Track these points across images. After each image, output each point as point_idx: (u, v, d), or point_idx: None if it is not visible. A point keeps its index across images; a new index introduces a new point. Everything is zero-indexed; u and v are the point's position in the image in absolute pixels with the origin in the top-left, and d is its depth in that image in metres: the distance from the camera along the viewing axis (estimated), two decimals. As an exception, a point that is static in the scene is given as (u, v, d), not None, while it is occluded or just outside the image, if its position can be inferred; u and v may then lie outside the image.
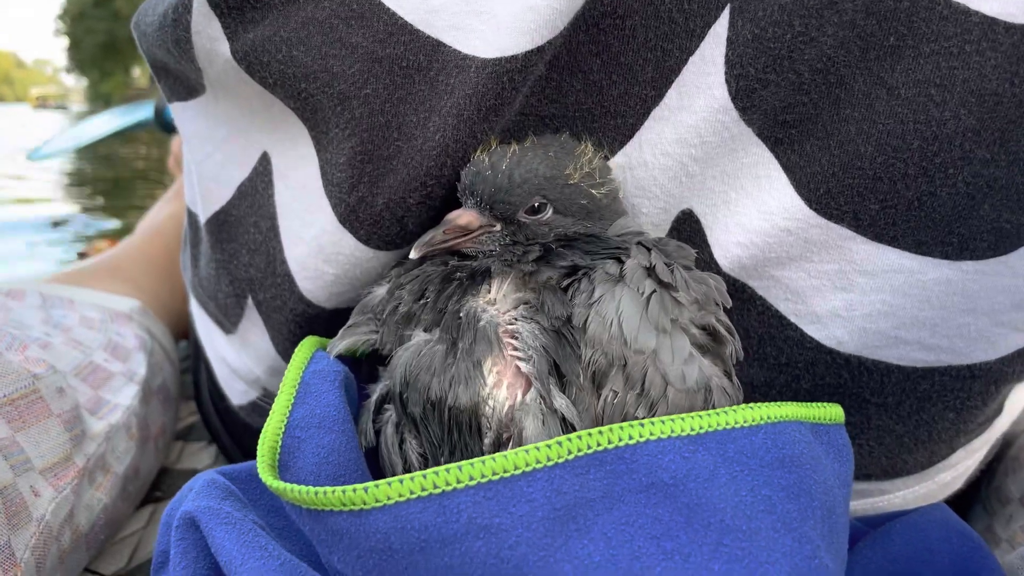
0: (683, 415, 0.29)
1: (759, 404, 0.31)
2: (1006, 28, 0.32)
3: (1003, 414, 0.49)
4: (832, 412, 0.34)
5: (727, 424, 0.29)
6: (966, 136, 0.34)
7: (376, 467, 0.36)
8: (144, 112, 2.13)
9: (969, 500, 0.58)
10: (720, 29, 0.36)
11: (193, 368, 0.75)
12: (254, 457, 0.61)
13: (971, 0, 0.33)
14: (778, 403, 0.31)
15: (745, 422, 0.30)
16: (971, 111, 0.34)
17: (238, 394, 0.57)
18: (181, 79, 0.49)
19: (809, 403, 0.33)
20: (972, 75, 0.33)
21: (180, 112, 0.51)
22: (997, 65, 0.33)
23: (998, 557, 0.51)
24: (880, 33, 0.34)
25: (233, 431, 0.64)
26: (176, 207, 1.04)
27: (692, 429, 0.29)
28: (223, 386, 0.59)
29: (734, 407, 0.30)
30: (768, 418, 0.30)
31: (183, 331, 0.87)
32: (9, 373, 0.46)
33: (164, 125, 2.08)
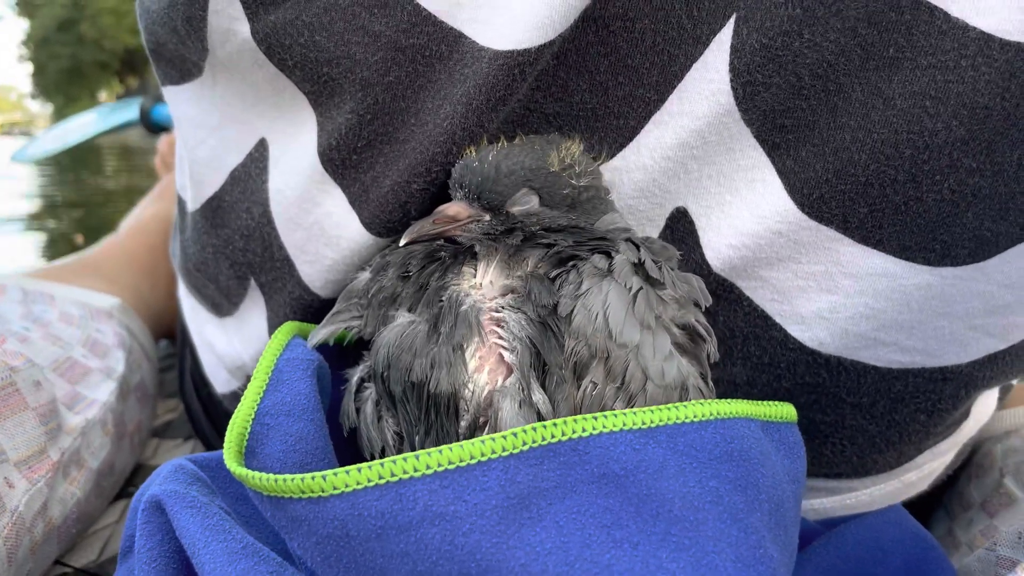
0: (635, 409, 0.30)
1: (710, 400, 0.32)
2: (1001, 45, 0.34)
3: (969, 419, 0.50)
4: (784, 411, 0.35)
5: (677, 419, 0.30)
6: (955, 146, 0.36)
7: (355, 448, 0.37)
8: (130, 112, 2.12)
9: (932, 505, 0.60)
10: (724, 37, 0.37)
11: (179, 356, 0.76)
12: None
13: (969, 16, 0.34)
14: (728, 400, 0.32)
15: (695, 417, 0.31)
16: (962, 122, 0.35)
17: (222, 383, 0.58)
18: (176, 62, 0.49)
19: (761, 402, 0.34)
20: (966, 88, 0.35)
21: (173, 96, 0.51)
22: (990, 80, 0.34)
23: (957, 560, 0.53)
24: (880, 43, 0.35)
25: (215, 420, 0.64)
26: (160, 207, 1.05)
27: (643, 423, 0.30)
28: (208, 374, 0.60)
29: (684, 403, 0.31)
30: (718, 414, 0.31)
31: (163, 330, 0.87)
32: None
33: (150, 125, 2.08)
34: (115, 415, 0.59)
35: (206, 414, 0.66)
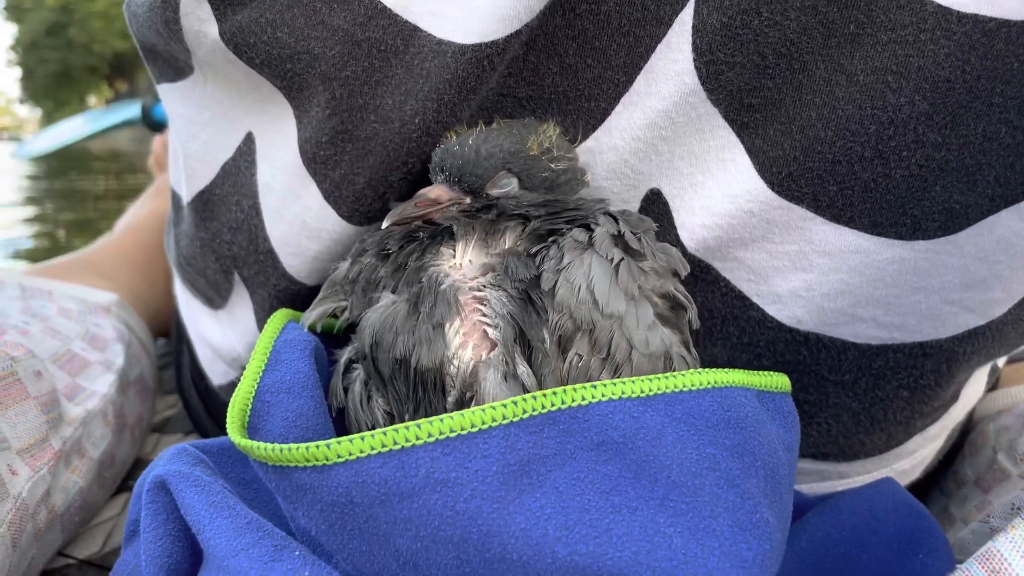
0: (634, 378, 0.31)
1: (707, 370, 0.32)
2: (959, 17, 0.34)
3: (958, 403, 0.51)
4: (779, 381, 0.36)
5: (676, 387, 0.31)
6: (919, 120, 0.36)
7: (344, 427, 0.37)
8: (131, 111, 2.13)
9: (928, 488, 0.60)
10: (686, 17, 0.38)
11: (175, 351, 0.76)
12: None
13: None
14: (725, 370, 0.33)
15: (693, 385, 0.31)
16: (925, 97, 0.36)
17: (218, 374, 0.58)
18: (169, 61, 0.50)
19: (757, 372, 0.35)
20: (926, 63, 0.35)
21: (168, 94, 0.52)
22: (950, 53, 0.35)
23: (952, 535, 0.53)
24: (841, 20, 0.36)
25: (213, 411, 0.65)
26: (155, 205, 1.05)
27: (642, 391, 0.30)
28: (204, 367, 0.61)
29: (683, 372, 0.32)
30: (715, 383, 0.32)
31: (160, 328, 0.88)
32: None
33: (151, 123, 2.09)
34: (115, 407, 0.59)
35: (204, 407, 0.67)
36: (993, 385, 0.64)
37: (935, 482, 0.60)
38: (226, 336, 0.54)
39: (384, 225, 0.36)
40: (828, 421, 0.46)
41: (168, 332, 0.91)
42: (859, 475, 0.49)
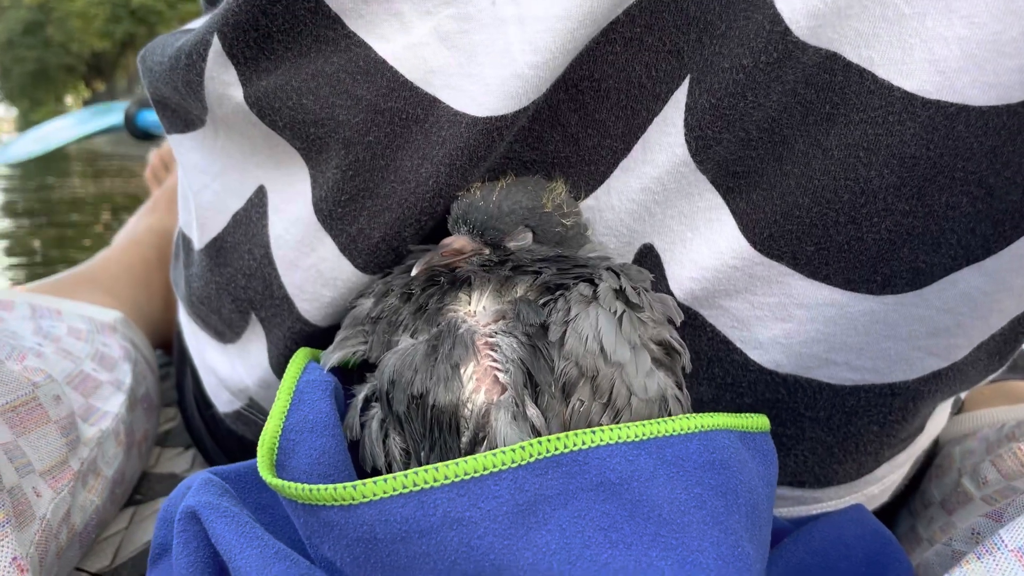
0: (629, 424, 0.34)
1: (694, 415, 0.36)
2: (923, 103, 0.37)
3: (924, 433, 0.54)
4: (759, 422, 0.39)
5: (666, 432, 0.34)
6: (888, 191, 0.39)
7: (356, 459, 0.40)
8: (114, 117, 2.11)
9: (896, 509, 0.64)
10: (680, 96, 0.41)
11: (177, 373, 0.79)
12: (236, 458, 0.65)
13: (894, 78, 0.37)
14: (711, 414, 0.36)
15: (682, 430, 0.34)
16: (893, 171, 0.39)
17: (224, 403, 0.61)
18: (180, 114, 0.52)
19: (738, 414, 0.38)
20: (894, 141, 0.38)
21: (178, 143, 0.55)
22: (915, 133, 0.38)
23: (919, 555, 0.57)
24: (818, 102, 0.39)
25: (216, 435, 0.67)
26: (154, 219, 1.07)
27: (636, 436, 0.34)
28: (210, 395, 0.63)
29: (672, 417, 0.35)
30: (701, 427, 0.35)
31: (158, 340, 0.90)
32: (11, 381, 0.49)
33: (135, 131, 2.07)
34: (126, 426, 0.62)
35: (207, 428, 0.69)
36: (958, 409, 0.68)
37: (903, 503, 0.64)
38: (234, 368, 0.57)
39: (414, 272, 0.38)
40: (805, 453, 0.49)
41: (164, 344, 0.93)
42: (832, 500, 0.53)
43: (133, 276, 0.92)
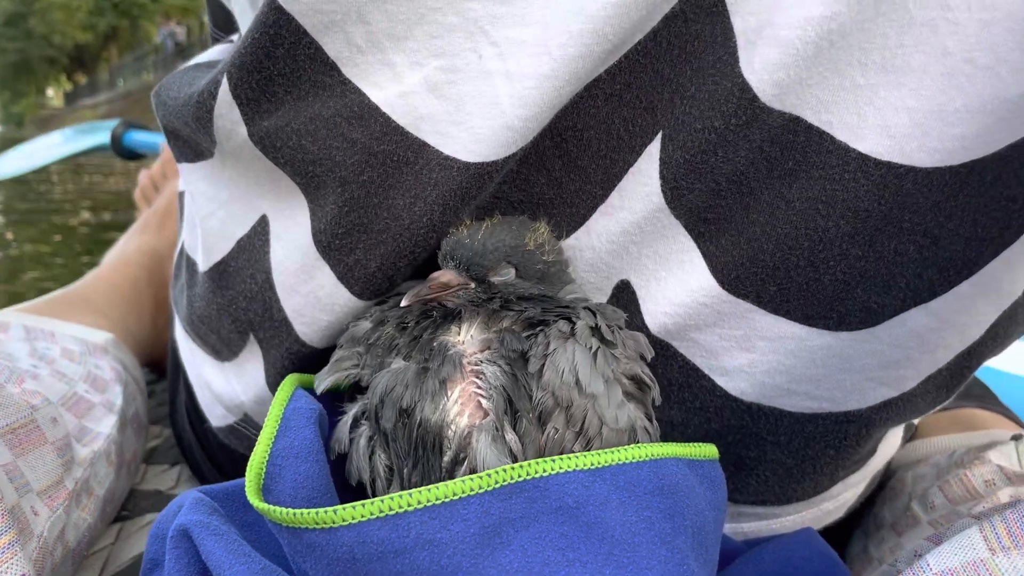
0: (586, 452, 0.37)
1: (646, 444, 0.39)
2: (875, 163, 0.41)
3: (876, 455, 0.59)
4: (707, 451, 0.43)
5: (619, 460, 0.37)
6: (843, 239, 0.43)
7: (342, 472, 0.43)
8: (101, 137, 2.13)
9: (851, 528, 0.68)
10: (654, 150, 0.45)
11: (171, 387, 0.81)
12: (226, 472, 0.68)
13: (850, 140, 0.41)
14: (661, 443, 0.40)
15: (634, 459, 0.38)
16: (848, 221, 0.43)
17: (217, 417, 0.64)
18: (191, 144, 0.56)
19: (687, 443, 0.42)
20: (849, 195, 0.42)
21: (188, 172, 0.58)
22: (868, 189, 0.42)
23: (870, 573, 0.60)
24: (782, 159, 0.43)
25: (207, 448, 0.70)
26: (143, 240, 1.10)
27: (592, 464, 0.37)
28: (203, 409, 0.66)
29: (626, 447, 0.38)
30: (652, 455, 0.38)
31: (146, 358, 0.92)
32: (10, 404, 0.51)
33: (122, 152, 2.09)
34: (117, 446, 0.64)
35: (199, 443, 0.72)
36: (912, 435, 0.72)
37: (857, 523, 0.68)
38: (230, 385, 0.60)
39: (403, 303, 0.41)
40: (766, 473, 0.53)
41: (151, 363, 0.96)
42: (791, 515, 0.57)
43: (123, 296, 0.95)
